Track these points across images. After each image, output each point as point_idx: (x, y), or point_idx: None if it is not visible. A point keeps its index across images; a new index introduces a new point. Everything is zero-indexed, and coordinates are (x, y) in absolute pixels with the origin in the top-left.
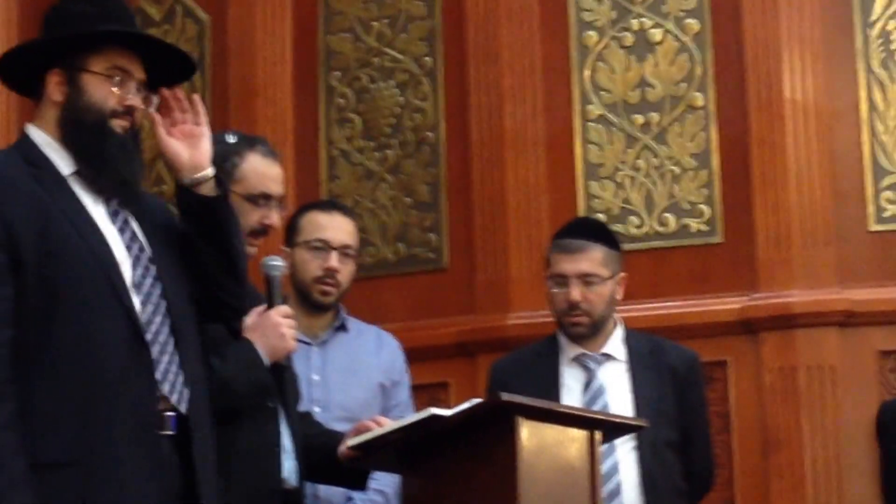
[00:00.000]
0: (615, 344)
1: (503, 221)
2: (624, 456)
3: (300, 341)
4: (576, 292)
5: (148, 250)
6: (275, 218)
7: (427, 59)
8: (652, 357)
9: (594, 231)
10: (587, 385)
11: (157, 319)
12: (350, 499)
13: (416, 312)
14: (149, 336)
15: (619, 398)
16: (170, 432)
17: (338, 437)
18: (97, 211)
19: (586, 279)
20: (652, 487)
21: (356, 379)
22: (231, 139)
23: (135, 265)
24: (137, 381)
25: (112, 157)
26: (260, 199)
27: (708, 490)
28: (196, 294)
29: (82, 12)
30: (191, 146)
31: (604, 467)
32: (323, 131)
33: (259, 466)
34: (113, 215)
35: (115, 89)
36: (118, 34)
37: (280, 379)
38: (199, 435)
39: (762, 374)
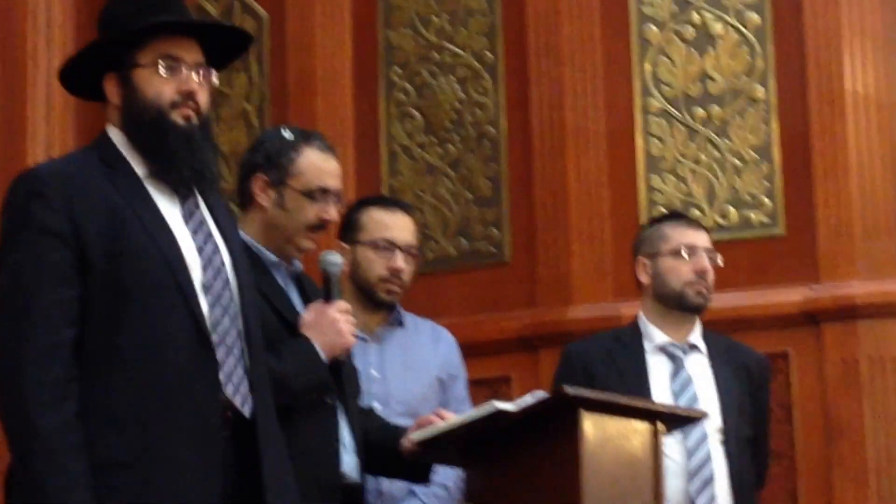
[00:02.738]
0: (697, 336)
1: (564, 215)
2: (713, 448)
3: (357, 337)
4: (707, 262)
5: (222, 253)
6: (333, 213)
7: (487, 53)
8: (728, 354)
9: None
10: (674, 375)
11: (225, 322)
12: (412, 493)
13: (478, 307)
14: (215, 338)
15: (704, 390)
16: (227, 433)
17: (400, 431)
18: (172, 212)
19: (710, 254)
20: (739, 481)
21: (414, 374)
22: (287, 134)
23: (205, 267)
24: (201, 384)
25: (177, 152)
26: (317, 193)
27: (762, 489)
28: None
29: (127, 11)
30: None
31: (696, 459)
32: (383, 127)
33: (319, 462)
34: (187, 216)
35: (166, 77)
36: (154, 27)
37: (338, 374)
38: (265, 438)
39: (824, 366)
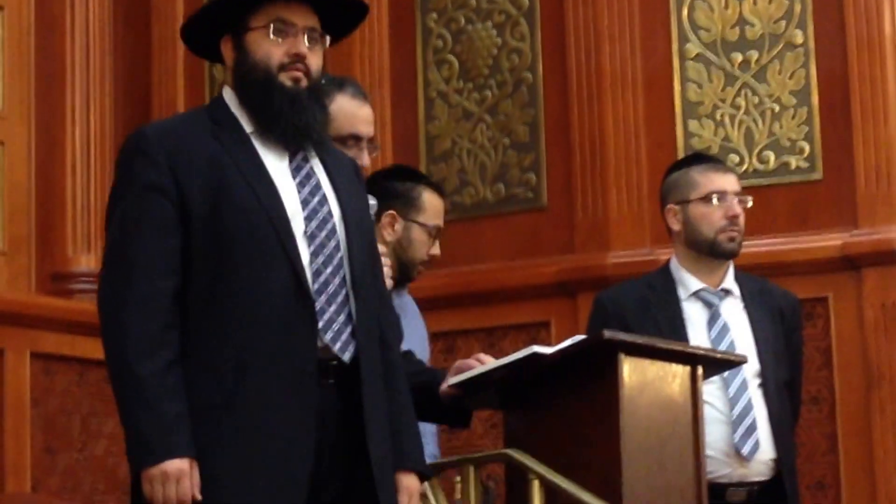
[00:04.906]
0: (730, 280)
1: (602, 161)
2: (754, 394)
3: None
4: (738, 207)
5: (330, 204)
6: (366, 159)
7: None
8: (761, 296)
9: None
10: (711, 321)
11: (328, 270)
12: None
13: (516, 252)
14: (315, 286)
15: (741, 336)
16: (331, 380)
17: (439, 375)
18: (279, 166)
19: (740, 197)
20: (779, 424)
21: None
22: None
23: (310, 217)
24: (297, 331)
25: (282, 111)
26: (350, 140)
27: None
28: None
29: None
30: None
31: (739, 407)
32: (420, 73)
33: None
34: (295, 170)
35: (277, 40)
36: None
37: None
38: (367, 385)
39: (864, 310)
